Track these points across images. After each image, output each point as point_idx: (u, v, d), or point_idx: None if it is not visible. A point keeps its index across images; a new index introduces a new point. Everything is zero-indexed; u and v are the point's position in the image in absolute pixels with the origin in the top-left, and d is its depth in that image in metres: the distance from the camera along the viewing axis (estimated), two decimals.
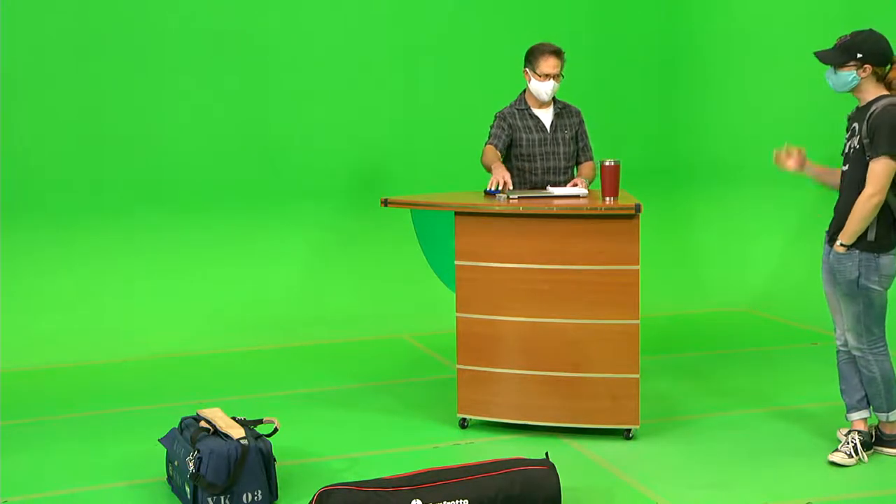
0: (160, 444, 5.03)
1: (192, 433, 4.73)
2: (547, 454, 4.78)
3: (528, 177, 5.99)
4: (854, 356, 5.11)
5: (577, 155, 6.12)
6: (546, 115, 6.03)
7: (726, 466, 5.10)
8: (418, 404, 6.11)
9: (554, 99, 6.08)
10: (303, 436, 5.59)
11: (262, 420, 5.03)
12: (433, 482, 4.49)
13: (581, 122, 6.12)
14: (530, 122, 6.02)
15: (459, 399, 5.63)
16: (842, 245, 4.93)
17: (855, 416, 5.17)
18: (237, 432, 4.71)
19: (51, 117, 7.52)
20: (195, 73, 7.77)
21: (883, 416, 5.12)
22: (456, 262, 5.54)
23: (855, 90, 4.96)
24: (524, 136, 5.99)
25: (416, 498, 4.43)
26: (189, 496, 4.63)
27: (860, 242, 4.91)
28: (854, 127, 4.99)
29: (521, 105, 6.07)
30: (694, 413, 5.91)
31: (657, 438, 5.48)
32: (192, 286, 7.70)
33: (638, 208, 5.28)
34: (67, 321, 7.39)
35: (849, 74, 4.91)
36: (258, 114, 7.93)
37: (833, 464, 5.07)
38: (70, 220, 7.57)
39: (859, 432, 5.15)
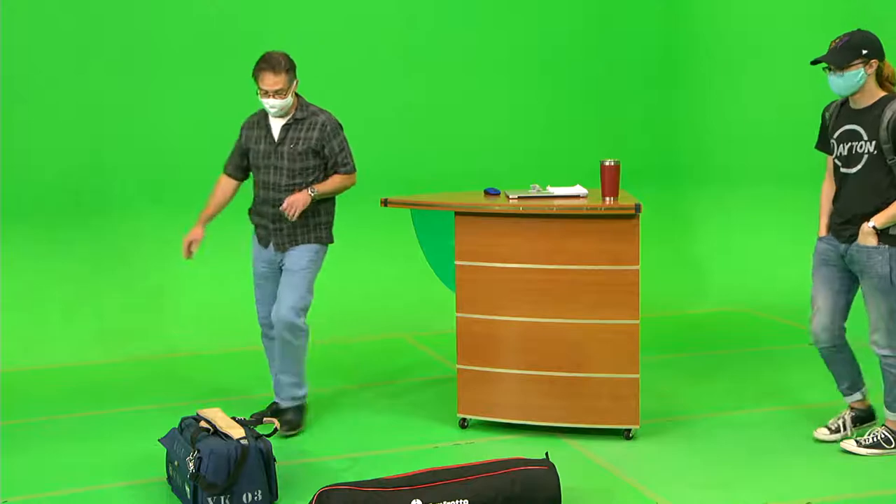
0: (160, 444, 5.02)
1: (192, 433, 4.73)
2: (547, 454, 4.79)
3: (257, 190, 5.77)
4: (881, 360, 5.13)
5: (328, 170, 5.68)
6: (277, 125, 5.61)
7: (726, 466, 5.10)
8: (418, 404, 6.11)
9: (301, 105, 5.64)
10: (303, 436, 5.60)
11: (262, 420, 5.03)
12: (433, 482, 4.50)
13: (331, 137, 5.60)
14: (262, 132, 5.65)
15: (459, 399, 5.63)
16: (873, 228, 4.90)
17: (850, 399, 5.35)
18: (237, 432, 4.71)
19: (51, 117, 7.52)
20: (195, 73, 7.76)
21: None
22: (456, 262, 5.54)
23: (858, 90, 4.96)
24: (252, 146, 5.68)
25: (415, 498, 4.43)
26: (189, 496, 4.63)
27: (886, 237, 4.93)
28: (855, 130, 4.98)
29: (263, 116, 5.69)
30: (694, 413, 5.91)
31: (657, 438, 5.49)
32: (193, 286, 7.70)
33: (638, 208, 5.28)
34: (67, 321, 7.39)
35: (856, 73, 4.91)
36: None
37: (817, 440, 5.31)
38: (70, 220, 7.57)
39: (852, 408, 5.33)
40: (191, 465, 4.58)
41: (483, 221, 5.49)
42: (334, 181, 5.67)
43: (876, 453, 5.13)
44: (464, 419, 5.67)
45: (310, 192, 5.55)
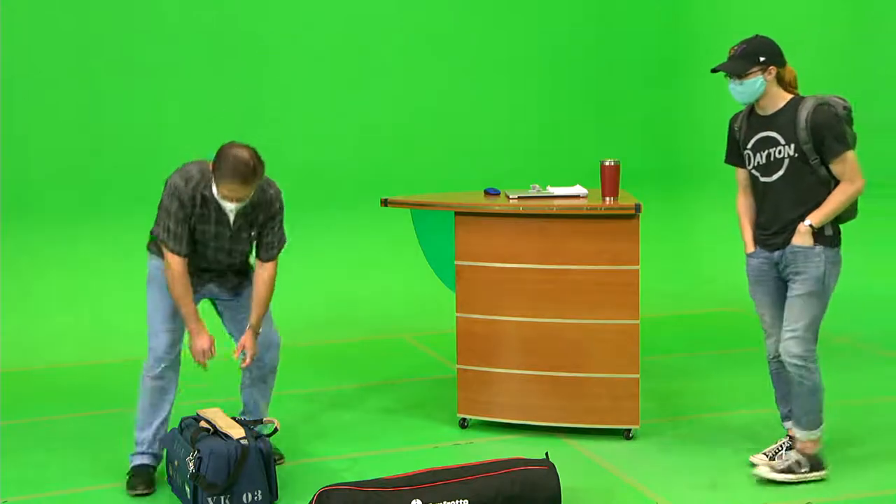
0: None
1: (192, 433, 4.73)
2: (547, 454, 4.79)
3: (195, 258, 4.94)
4: (790, 367, 4.88)
5: (259, 251, 5.01)
6: (231, 207, 4.79)
7: (726, 466, 5.10)
8: (418, 404, 6.11)
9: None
10: (303, 436, 5.60)
11: (262, 420, 5.03)
12: (433, 482, 4.50)
13: (275, 214, 4.96)
14: (214, 214, 4.83)
15: (459, 399, 5.63)
16: (810, 226, 4.81)
17: (790, 425, 5.07)
18: (237, 432, 4.71)
19: (51, 117, 7.53)
20: (195, 74, 7.77)
21: (814, 433, 4.92)
22: (456, 262, 5.54)
23: (762, 97, 4.86)
24: (199, 226, 4.86)
25: (415, 498, 4.43)
26: (189, 496, 4.63)
27: (820, 237, 4.85)
28: (770, 136, 4.87)
29: (205, 186, 4.77)
30: (694, 413, 5.91)
31: (657, 438, 5.49)
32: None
33: (638, 208, 5.28)
34: (67, 321, 7.39)
35: (755, 81, 4.81)
36: (257, 114, 7.93)
37: (758, 476, 4.94)
38: (70, 220, 7.58)
39: (791, 438, 5.04)
40: (191, 465, 4.58)
41: (483, 221, 5.48)
42: (265, 302, 5.01)
43: (790, 478, 4.88)
44: (464, 419, 5.67)
45: (255, 335, 5.00)
